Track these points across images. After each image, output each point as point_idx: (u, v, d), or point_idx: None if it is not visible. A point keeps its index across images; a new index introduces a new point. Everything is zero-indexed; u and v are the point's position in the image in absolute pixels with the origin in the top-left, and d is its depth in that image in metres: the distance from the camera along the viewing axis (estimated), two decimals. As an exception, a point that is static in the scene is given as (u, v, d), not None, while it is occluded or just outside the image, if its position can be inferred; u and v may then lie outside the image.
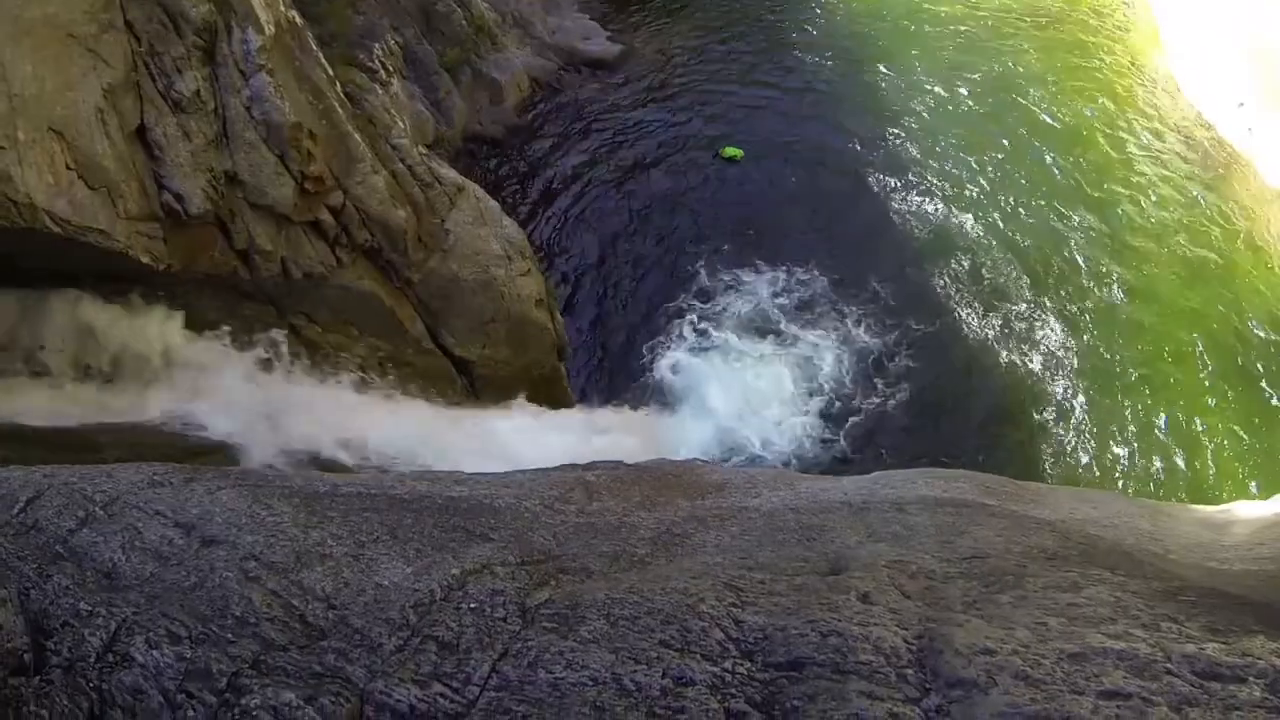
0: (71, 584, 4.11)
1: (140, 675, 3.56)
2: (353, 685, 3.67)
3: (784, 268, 22.30)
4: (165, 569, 4.40)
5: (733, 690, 3.61)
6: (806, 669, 3.71)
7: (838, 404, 19.99)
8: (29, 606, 3.88)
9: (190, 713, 3.43)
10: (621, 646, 3.91)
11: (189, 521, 4.89)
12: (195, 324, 13.21)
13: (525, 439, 15.65)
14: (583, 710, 3.51)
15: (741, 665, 3.77)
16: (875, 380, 20.29)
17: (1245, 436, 18.83)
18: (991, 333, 21.02)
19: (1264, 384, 19.62)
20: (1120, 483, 18.32)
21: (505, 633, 4.09)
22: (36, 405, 11.09)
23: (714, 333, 21.08)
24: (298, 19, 14.42)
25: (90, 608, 3.91)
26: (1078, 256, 22.41)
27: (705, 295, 21.80)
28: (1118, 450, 18.98)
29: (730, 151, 25.81)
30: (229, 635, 3.88)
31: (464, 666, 3.80)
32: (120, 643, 3.72)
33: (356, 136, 14.84)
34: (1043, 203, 23.74)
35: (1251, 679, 3.33)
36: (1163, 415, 19.37)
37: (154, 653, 3.67)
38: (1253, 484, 17.88)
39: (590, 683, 3.67)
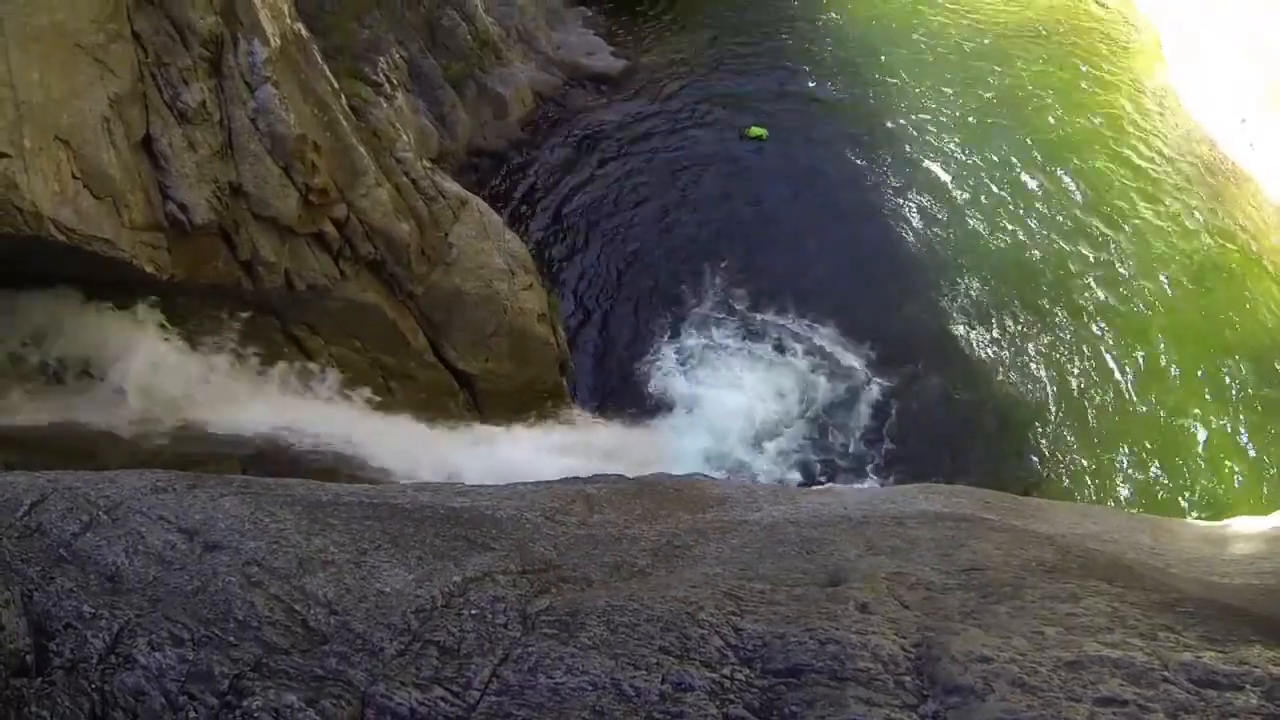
0: (75, 586, 4.13)
1: (142, 677, 3.57)
2: (354, 688, 3.68)
3: (788, 281, 22.31)
4: (168, 573, 4.43)
5: (731, 696, 3.63)
6: (805, 676, 3.72)
7: (839, 419, 19.98)
8: (32, 608, 3.90)
9: (192, 714, 3.45)
10: (621, 653, 3.93)
11: (192, 527, 4.92)
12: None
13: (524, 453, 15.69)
14: (582, 715, 3.53)
15: (740, 672, 3.79)
16: (877, 396, 20.27)
17: (1252, 453, 18.80)
18: (993, 348, 21.02)
19: (1268, 401, 19.59)
20: (1124, 497, 18.30)
21: (506, 638, 4.11)
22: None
23: (717, 347, 21.08)
24: (303, 32, 14.50)
25: (93, 610, 3.93)
26: (1080, 272, 22.40)
27: (710, 309, 21.80)
28: (1121, 466, 18.95)
29: (755, 131, 25.97)
30: (231, 638, 3.90)
31: (465, 671, 3.82)
32: (123, 644, 3.73)
33: (361, 149, 14.91)
34: (1044, 217, 23.77)
35: (1248, 686, 3.35)
36: (1167, 431, 19.34)
37: (156, 655, 3.68)
38: (1260, 500, 17.83)
39: (590, 688, 3.68)
